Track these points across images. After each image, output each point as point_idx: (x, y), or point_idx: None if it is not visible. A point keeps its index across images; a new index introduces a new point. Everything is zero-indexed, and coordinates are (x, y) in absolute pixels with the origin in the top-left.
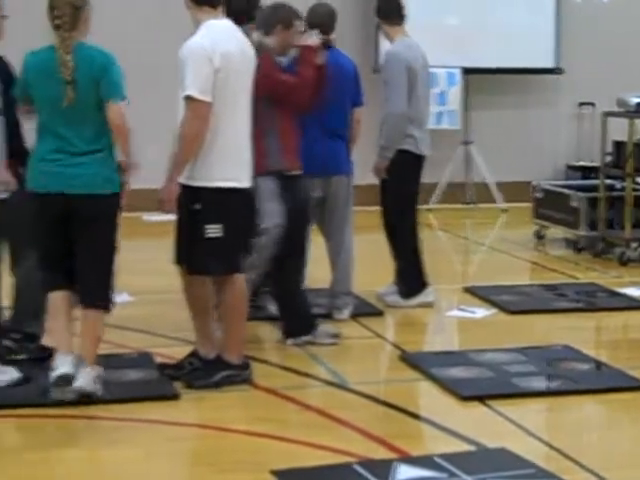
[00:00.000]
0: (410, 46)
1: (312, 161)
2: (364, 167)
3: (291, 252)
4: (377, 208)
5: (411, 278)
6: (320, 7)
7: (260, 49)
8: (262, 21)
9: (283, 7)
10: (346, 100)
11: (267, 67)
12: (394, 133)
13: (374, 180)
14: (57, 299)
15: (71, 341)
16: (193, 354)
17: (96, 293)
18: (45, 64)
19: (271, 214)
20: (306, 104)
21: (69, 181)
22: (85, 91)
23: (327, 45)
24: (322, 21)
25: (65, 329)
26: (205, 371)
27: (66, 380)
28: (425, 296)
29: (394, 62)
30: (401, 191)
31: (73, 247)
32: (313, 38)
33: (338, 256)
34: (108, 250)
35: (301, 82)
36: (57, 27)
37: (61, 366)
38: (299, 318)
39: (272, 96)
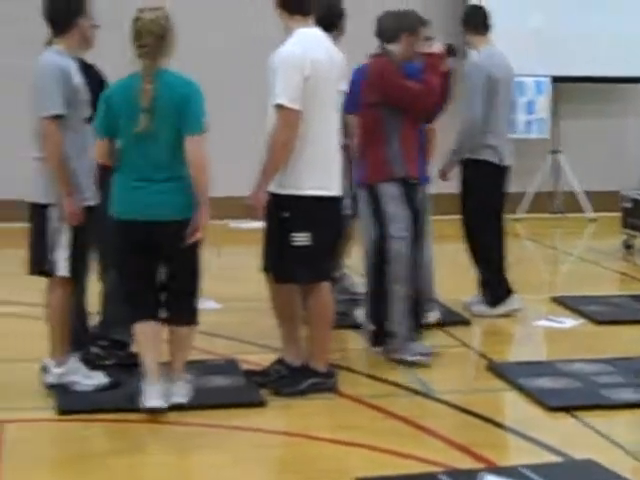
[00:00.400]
0: (493, 55)
1: None
2: None
3: None
4: (458, 217)
5: (496, 286)
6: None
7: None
8: (385, 29)
9: (407, 14)
10: None
11: (389, 73)
12: (465, 139)
13: (455, 189)
14: (145, 329)
15: (159, 365)
16: (279, 361)
17: (186, 311)
18: (127, 92)
19: (398, 220)
20: (432, 111)
21: (149, 210)
22: (164, 119)
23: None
24: None
25: (154, 358)
26: (292, 378)
27: (155, 414)
28: (511, 303)
29: (474, 71)
30: (482, 202)
31: (159, 272)
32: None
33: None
34: (193, 271)
35: (427, 89)
36: (140, 56)
37: (151, 399)
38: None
39: (396, 103)
